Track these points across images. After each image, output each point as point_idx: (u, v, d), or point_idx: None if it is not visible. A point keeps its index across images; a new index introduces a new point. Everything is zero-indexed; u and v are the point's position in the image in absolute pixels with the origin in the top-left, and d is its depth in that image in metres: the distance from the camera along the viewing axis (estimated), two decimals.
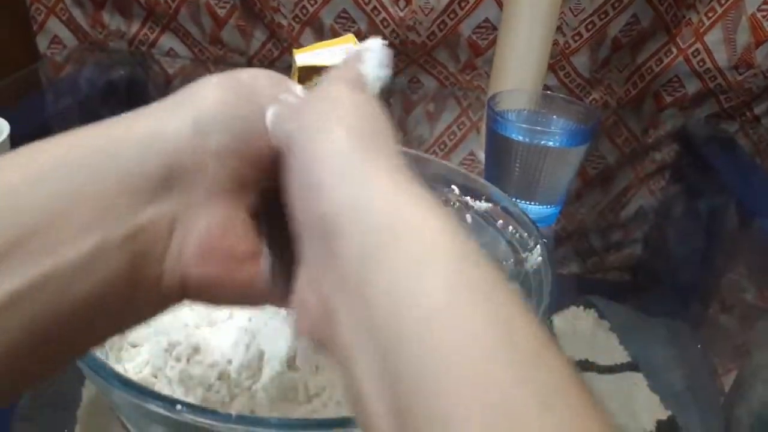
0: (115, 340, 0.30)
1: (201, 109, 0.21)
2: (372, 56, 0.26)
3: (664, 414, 0.43)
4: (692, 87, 0.80)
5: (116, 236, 0.19)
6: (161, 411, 0.24)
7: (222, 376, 0.31)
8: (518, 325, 0.17)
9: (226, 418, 0.24)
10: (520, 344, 0.16)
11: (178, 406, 0.24)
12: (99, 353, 0.28)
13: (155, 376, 0.30)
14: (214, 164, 0.21)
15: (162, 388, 0.30)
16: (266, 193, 0.23)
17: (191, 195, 0.20)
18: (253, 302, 0.24)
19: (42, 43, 0.87)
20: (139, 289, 0.20)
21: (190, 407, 0.24)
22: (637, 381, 0.45)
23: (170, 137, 0.20)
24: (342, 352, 0.18)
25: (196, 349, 0.31)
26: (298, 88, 0.24)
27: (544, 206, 0.54)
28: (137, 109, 0.21)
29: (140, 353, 0.31)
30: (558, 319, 0.49)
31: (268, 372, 0.31)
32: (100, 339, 0.22)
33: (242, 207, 0.22)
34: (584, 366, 0.46)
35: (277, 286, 0.23)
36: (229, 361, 0.31)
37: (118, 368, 0.30)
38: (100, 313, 0.19)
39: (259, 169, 0.22)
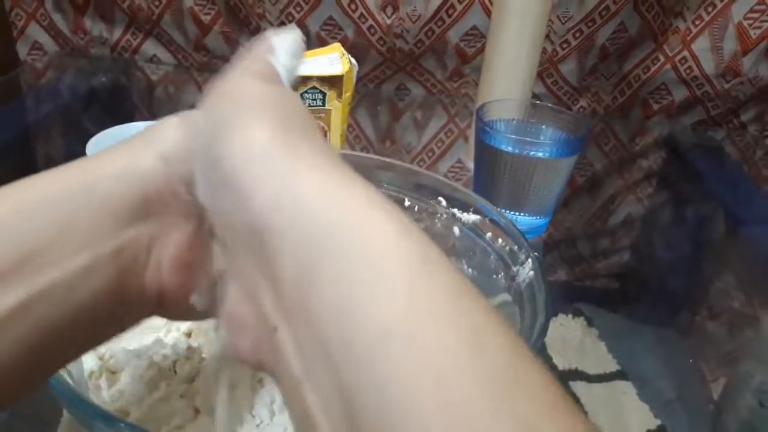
0: (94, 367, 0.29)
1: (167, 145, 0.23)
2: (283, 46, 0.24)
3: (653, 423, 0.43)
4: (679, 94, 0.81)
5: (104, 253, 0.21)
6: None
7: (208, 412, 0.29)
8: (488, 340, 0.15)
9: None
10: (492, 364, 0.14)
11: None
12: (77, 380, 0.27)
13: (133, 404, 0.29)
14: (183, 190, 0.23)
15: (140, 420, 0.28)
16: None
17: (166, 216, 0.23)
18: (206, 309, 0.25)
19: (22, 49, 0.86)
20: (123, 300, 0.22)
21: None
22: (626, 390, 0.45)
23: (145, 171, 0.22)
24: (288, 377, 0.17)
25: (186, 378, 0.30)
26: None
27: (534, 217, 0.54)
28: (112, 146, 0.24)
29: (119, 379, 0.30)
30: None
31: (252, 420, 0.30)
32: (85, 350, 0.24)
33: (203, 225, 0.23)
34: (573, 375, 0.46)
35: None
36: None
37: (95, 397, 0.29)
38: (90, 323, 0.21)
39: None
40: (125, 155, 0.23)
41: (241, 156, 0.19)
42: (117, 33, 0.85)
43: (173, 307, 0.24)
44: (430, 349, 0.14)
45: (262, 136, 0.19)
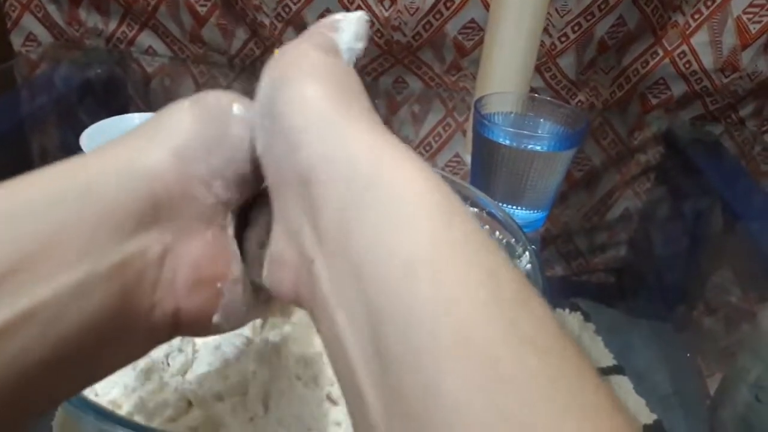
0: None
1: (180, 136, 0.21)
2: (348, 26, 0.25)
3: (650, 418, 0.43)
4: (678, 89, 0.80)
5: (102, 268, 0.18)
6: None
7: (201, 405, 0.29)
8: (503, 278, 0.16)
9: None
10: (505, 298, 0.16)
11: None
12: None
13: (125, 398, 0.29)
14: (202, 191, 0.21)
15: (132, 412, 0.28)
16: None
17: (181, 223, 0.20)
18: (234, 325, 0.23)
19: (16, 40, 0.85)
20: (129, 322, 0.19)
21: None
22: (623, 384, 0.45)
23: (152, 166, 0.20)
24: (321, 305, 0.18)
25: (179, 371, 0.30)
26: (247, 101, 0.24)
27: (532, 211, 0.54)
28: (113, 140, 0.21)
29: None
30: None
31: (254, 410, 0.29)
32: (90, 378, 0.21)
33: (227, 231, 0.22)
34: None
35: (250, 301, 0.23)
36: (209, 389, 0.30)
37: (87, 389, 0.28)
38: (90, 347, 0.18)
39: (240, 190, 0.22)
40: (127, 149, 0.20)
41: (298, 109, 0.20)
42: (112, 24, 0.84)
43: (192, 330, 0.22)
44: (451, 279, 0.16)
45: (316, 94, 0.20)
